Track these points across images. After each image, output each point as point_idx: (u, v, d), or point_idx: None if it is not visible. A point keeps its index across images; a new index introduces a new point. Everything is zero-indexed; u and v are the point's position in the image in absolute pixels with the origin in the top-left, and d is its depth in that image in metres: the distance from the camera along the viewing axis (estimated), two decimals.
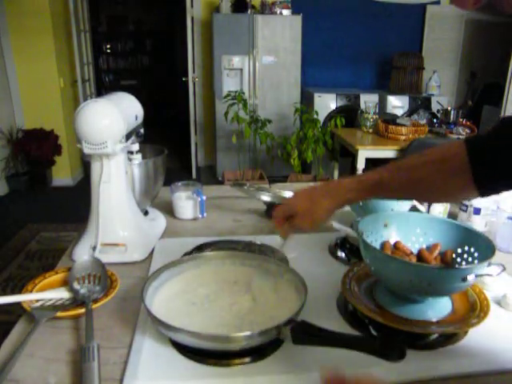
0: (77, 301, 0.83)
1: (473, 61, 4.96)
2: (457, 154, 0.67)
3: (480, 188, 0.65)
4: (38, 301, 0.83)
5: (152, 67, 7.97)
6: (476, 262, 0.80)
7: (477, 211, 1.19)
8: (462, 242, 0.84)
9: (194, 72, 4.64)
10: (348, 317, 0.81)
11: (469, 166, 0.64)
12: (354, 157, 3.15)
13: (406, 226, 0.89)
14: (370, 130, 3.34)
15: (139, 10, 7.62)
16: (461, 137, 3.10)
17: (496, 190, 0.67)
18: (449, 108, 3.52)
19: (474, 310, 0.78)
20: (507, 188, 0.66)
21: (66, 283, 0.88)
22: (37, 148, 4.10)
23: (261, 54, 4.27)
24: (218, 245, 1.05)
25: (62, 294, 0.85)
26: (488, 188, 0.66)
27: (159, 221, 1.25)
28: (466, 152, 0.65)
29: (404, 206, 1.06)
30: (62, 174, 4.47)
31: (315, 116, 3.67)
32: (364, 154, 3.01)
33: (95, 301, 0.81)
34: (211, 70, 4.49)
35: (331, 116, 3.87)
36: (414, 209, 1.12)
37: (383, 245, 0.86)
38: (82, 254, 1.01)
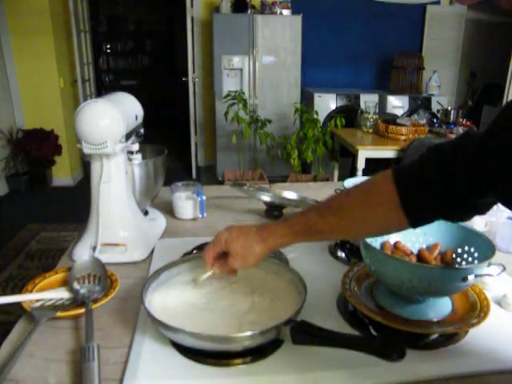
0: (77, 301, 0.83)
1: (473, 61, 4.97)
2: (384, 184, 0.66)
3: (410, 217, 0.63)
4: (37, 301, 0.83)
5: (152, 67, 7.97)
6: (476, 262, 0.80)
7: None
8: (461, 242, 0.84)
9: (194, 72, 4.64)
10: (348, 317, 0.81)
11: (396, 195, 0.63)
12: (354, 157, 3.15)
13: None
14: (370, 130, 3.34)
15: (139, 10, 7.62)
16: None
17: (426, 219, 0.65)
18: (449, 108, 3.52)
19: (474, 310, 0.78)
20: (438, 217, 0.65)
21: (65, 283, 0.88)
22: (37, 148, 4.10)
23: (261, 54, 4.27)
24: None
25: (62, 294, 0.85)
26: (418, 218, 0.64)
27: (159, 221, 1.25)
28: (392, 182, 0.64)
29: None
30: (62, 174, 4.47)
31: (315, 116, 3.67)
32: (364, 153, 3.01)
33: (95, 301, 0.81)
34: (211, 70, 4.49)
35: (331, 116, 3.87)
36: None
37: (383, 245, 0.86)
38: (81, 254, 1.01)
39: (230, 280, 0.85)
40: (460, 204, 0.61)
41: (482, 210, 0.64)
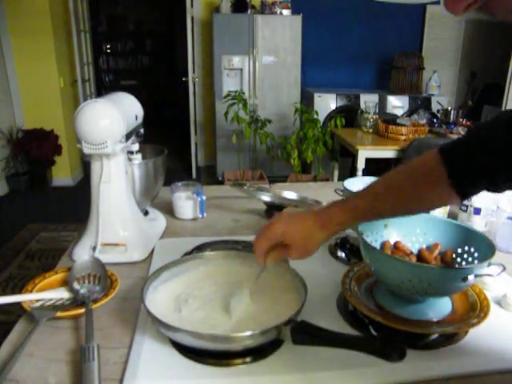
0: (77, 301, 0.83)
1: (473, 61, 4.97)
2: (432, 163, 0.70)
3: (458, 190, 0.69)
4: (38, 301, 0.83)
5: (152, 67, 7.97)
6: (476, 262, 0.80)
7: (477, 211, 1.19)
8: (462, 242, 0.84)
9: (194, 72, 4.64)
10: (348, 317, 0.81)
11: (445, 172, 0.68)
12: (354, 157, 3.15)
13: (406, 226, 0.89)
14: (370, 130, 3.34)
15: (139, 10, 7.62)
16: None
17: (474, 190, 0.71)
18: (449, 108, 3.52)
19: (474, 309, 0.78)
20: (483, 187, 0.70)
21: (66, 283, 0.88)
22: (37, 148, 4.10)
23: (261, 54, 4.27)
24: (217, 245, 1.05)
25: (62, 294, 0.85)
26: (466, 190, 0.70)
27: (159, 221, 1.25)
28: (440, 159, 0.69)
29: None
30: (62, 174, 4.47)
31: (315, 116, 3.67)
32: (364, 153, 3.01)
33: (95, 301, 0.81)
34: (211, 70, 4.49)
35: (331, 116, 3.87)
36: None
37: (383, 245, 0.86)
38: (81, 254, 1.01)
39: (230, 280, 0.85)
40: (503, 174, 0.66)
41: None
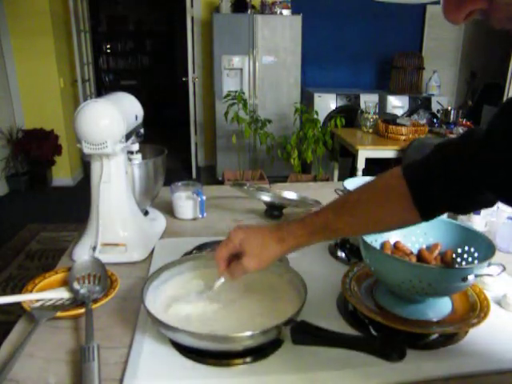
0: (77, 301, 0.83)
1: (473, 61, 4.96)
2: (394, 180, 0.70)
3: (421, 210, 0.68)
4: (38, 301, 0.83)
5: (152, 67, 7.97)
6: (476, 262, 0.80)
7: (477, 211, 1.19)
8: (462, 242, 0.84)
9: (194, 72, 4.64)
10: (348, 317, 0.81)
11: (409, 195, 0.67)
12: (354, 157, 3.15)
13: None
14: (370, 130, 3.34)
15: (139, 10, 7.62)
16: None
17: (436, 211, 0.70)
18: (449, 108, 3.52)
19: (474, 310, 0.78)
20: (446, 209, 0.70)
21: (65, 283, 0.88)
22: (37, 148, 4.10)
23: (261, 54, 4.27)
24: (217, 245, 1.05)
25: (62, 294, 0.85)
26: (429, 212, 0.69)
27: (159, 221, 1.25)
28: (403, 177, 0.68)
29: None
30: (62, 174, 4.47)
31: (315, 116, 3.67)
32: (364, 153, 3.01)
33: (95, 301, 0.81)
34: (211, 70, 4.49)
35: (331, 116, 3.87)
36: None
37: (383, 245, 0.86)
38: (81, 254, 1.01)
39: (230, 280, 0.85)
40: (464, 197, 0.65)
41: (485, 204, 0.69)
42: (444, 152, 0.67)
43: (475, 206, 0.70)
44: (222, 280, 0.78)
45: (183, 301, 0.79)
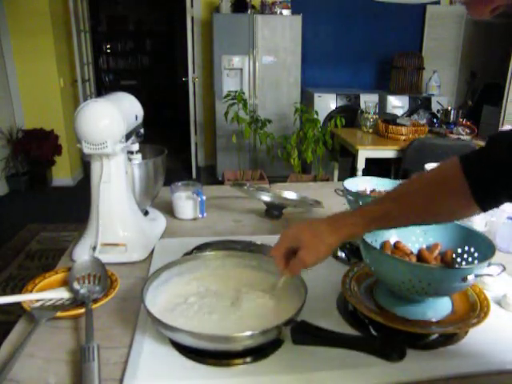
0: (77, 301, 0.83)
1: (473, 61, 4.96)
2: (452, 174, 0.69)
3: (481, 204, 0.67)
4: (38, 301, 0.83)
5: (152, 67, 7.98)
6: (476, 262, 0.80)
7: None
8: (462, 242, 0.84)
9: (194, 72, 4.64)
10: (348, 317, 0.81)
11: (466, 184, 0.66)
12: (354, 157, 3.15)
13: None
14: (370, 130, 3.34)
15: (139, 10, 7.62)
16: (461, 137, 3.10)
17: (496, 203, 0.69)
18: (449, 108, 3.52)
19: (474, 310, 0.78)
20: (507, 199, 0.68)
21: (66, 283, 0.88)
22: (37, 148, 4.10)
23: (261, 54, 4.27)
24: (217, 245, 1.05)
25: (62, 294, 0.85)
26: (488, 203, 0.68)
27: (159, 221, 1.25)
28: (461, 171, 0.67)
29: None
30: (62, 174, 4.47)
31: (315, 116, 3.67)
32: (364, 153, 3.01)
33: (95, 301, 0.81)
34: (211, 70, 4.49)
35: (331, 116, 3.87)
36: None
37: (383, 245, 0.86)
38: (81, 254, 1.01)
39: (230, 280, 0.85)
40: None
41: None
42: (504, 139, 0.66)
43: None
44: (284, 278, 0.77)
45: (183, 301, 0.79)
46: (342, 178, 3.24)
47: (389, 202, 0.73)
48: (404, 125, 3.13)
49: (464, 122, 3.29)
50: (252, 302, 0.79)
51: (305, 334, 0.67)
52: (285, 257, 0.75)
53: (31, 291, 0.84)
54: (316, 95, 4.34)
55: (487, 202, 0.67)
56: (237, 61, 4.24)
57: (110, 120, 0.94)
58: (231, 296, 0.81)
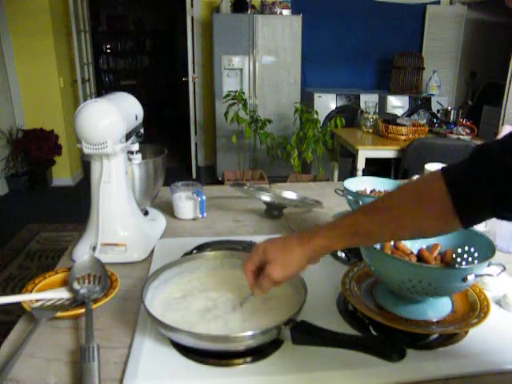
0: (77, 301, 0.83)
1: (473, 61, 4.96)
2: (434, 186, 0.64)
3: (463, 219, 0.62)
4: (38, 301, 0.83)
5: (152, 67, 7.98)
6: (476, 262, 0.80)
7: None
8: (462, 242, 0.84)
9: (194, 72, 4.64)
10: (348, 317, 0.81)
11: (449, 197, 0.61)
12: (354, 157, 3.15)
13: None
14: (370, 130, 3.34)
15: (139, 10, 7.62)
16: (461, 137, 3.10)
17: (478, 218, 0.65)
18: (449, 108, 3.52)
19: (474, 310, 0.78)
20: (490, 215, 0.63)
21: (65, 283, 0.88)
22: (37, 148, 4.10)
23: (261, 54, 4.27)
24: (217, 245, 1.05)
25: (62, 294, 0.85)
26: (471, 218, 0.63)
27: (159, 221, 1.25)
28: (444, 184, 0.62)
29: None
30: (62, 174, 4.47)
31: (315, 116, 3.67)
32: (364, 153, 3.00)
33: (95, 301, 0.81)
34: (211, 70, 4.49)
35: (331, 116, 3.87)
36: None
37: (383, 245, 0.86)
38: (81, 253, 1.01)
39: (230, 280, 0.85)
40: (509, 203, 0.59)
41: None
42: (488, 154, 0.61)
43: None
44: (251, 295, 0.74)
45: (183, 301, 0.79)
46: (341, 178, 3.25)
47: (361, 216, 0.68)
48: (404, 125, 3.13)
49: (464, 122, 3.29)
50: (251, 302, 0.79)
51: (305, 334, 0.67)
52: (255, 273, 0.72)
53: (31, 291, 0.84)
54: (316, 95, 4.34)
55: (470, 217, 0.63)
56: (237, 61, 4.24)
57: (110, 120, 0.94)
58: (231, 296, 0.81)
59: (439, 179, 0.63)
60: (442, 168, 0.65)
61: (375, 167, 3.33)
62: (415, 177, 0.77)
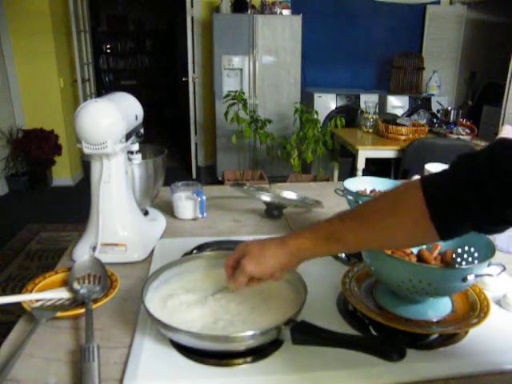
0: (77, 301, 0.83)
1: (473, 61, 4.96)
2: (411, 195, 0.63)
3: (440, 231, 0.61)
4: (38, 301, 0.83)
5: (152, 67, 7.98)
6: (476, 262, 0.80)
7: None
8: (462, 242, 0.84)
9: (194, 72, 4.64)
10: (348, 317, 0.81)
11: (425, 208, 0.60)
12: (354, 157, 3.15)
13: None
14: (370, 130, 3.34)
15: (139, 10, 7.62)
16: (461, 137, 3.10)
17: (456, 231, 0.63)
18: (449, 108, 3.52)
19: (474, 309, 0.78)
20: (468, 229, 0.62)
21: (65, 283, 0.88)
22: (37, 148, 4.10)
23: (261, 54, 4.27)
24: (217, 245, 1.05)
25: (62, 294, 0.85)
26: (448, 230, 0.62)
27: (159, 221, 1.25)
28: (421, 193, 0.61)
29: None
30: (62, 174, 4.47)
31: (315, 116, 3.67)
32: (364, 153, 3.01)
33: (95, 301, 0.81)
34: (211, 70, 4.49)
35: (331, 116, 3.87)
36: None
37: None
38: (81, 253, 1.01)
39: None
40: (492, 215, 0.58)
41: None
42: (469, 164, 0.60)
43: (502, 224, 0.60)
44: (225, 287, 0.77)
45: (183, 301, 0.79)
46: (341, 178, 3.25)
47: (337, 220, 0.68)
48: (404, 125, 3.13)
49: (464, 122, 3.29)
50: (252, 302, 0.79)
51: (305, 334, 0.67)
52: (233, 268, 0.74)
53: (31, 291, 0.84)
54: (316, 95, 4.34)
55: (447, 229, 0.61)
56: (237, 61, 4.24)
57: (110, 120, 0.94)
58: (231, 296, 0.81)
59: (417, 188, 0.62)
60: (421, 177, 0.64)
61: (375, 167, 3.33)
62: (415, 177, 0.77)
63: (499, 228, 0.61)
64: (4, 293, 2.52)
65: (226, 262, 0.75)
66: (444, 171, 0.62)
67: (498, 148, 0.58)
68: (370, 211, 0.68)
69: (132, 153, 1.16)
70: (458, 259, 0.84)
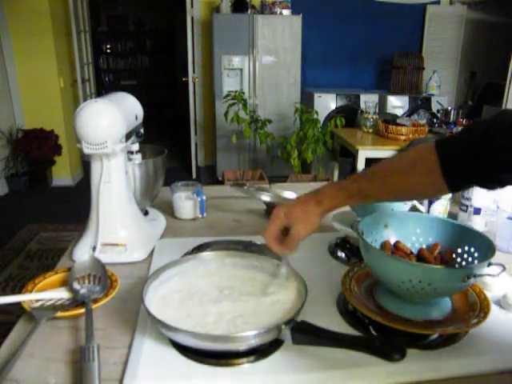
0: (77, 301, 0.83)
1: (473, 61, 4.96)
2: (426, 154, 0.73)
3: (449, 184, 0.71)
4: (37, 301, 0.83)
5: (152, 67, 7.98)
6: (476, 262, 0.80)
7: (477, 211, 1.19)
8: (462, 242, 0.84)
9: (194, 72, 4.64)
10: (348, 317, 0.81)
11: (437, 161, 0.70)
12: (354, 157, 3.15)
13: (406, 226, 0.89)
14: (370, 130, 3.34)
15: (139, 10, 7.62)
16: None
17: (463, 185, 0.76)
18: (449, 108, 3.52)
19: (474, 310, 0.78)
20: (474, 184, 0.73)
21: (65, 283, 0.88)
22: (37, 148, 4.10)
23: (261, 54, 4.27)
24: (217, 245, 1.05)
25: (62, 294, 0.85)
26: (456, 184, 0.72)
27: (159, 221, 1.25)
28: (434, 149, 0.71)
29: (404, 206, 1.06)
30: (62, 174, 4.47)
31: (315, 116, 3.67)
32: (364, 153, 3.00)
33: (95, 301, 0.81)
34: (211, 70, 4.49)
35: (331, 116, 3.87)
36: (413, 209, 1.12)
37: (383, 245, 0.86)
38: (82, 254, 1.01)
39: (230, 280, 0.85)
40: (488, 175, 0.68)
41: (507, 183, 0.70)
42: (474, 130, 0.69)
43: (496, 184, 0.71)
44: (285, 261, 0.82)
45: (183, 301, 0.79)
46: (342, 178, 3.24)
47: (365, 181, 0.79)
48: (404, 125, 3.13)
49: (464, 122, 3.29)
50: (252, 302, 0.79)
51: (305, 333, 0.67)
52: (277, 238, 0.80)
53: (31, 291, 0.84)
54: (316, 95, 4.34)
55: (455, 183, 0.71)
56: (237, 61, 4.24)
57: (110, 120, 0.94)
58: (231, 296, 0.81)
59: (431, 147, 0.72)
60: (436, 140, 0.74)
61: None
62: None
63: (494, 186, 0.72)
64: (4, 293, 2.51)
65: (267, 236, 0.80)
66: (454, 136, 0.73)
67: (494, 122, 0.67)
68: (392, 172, 0.77)
69: (132, 153, 1.16)
70: (458, 259, 0.84)
